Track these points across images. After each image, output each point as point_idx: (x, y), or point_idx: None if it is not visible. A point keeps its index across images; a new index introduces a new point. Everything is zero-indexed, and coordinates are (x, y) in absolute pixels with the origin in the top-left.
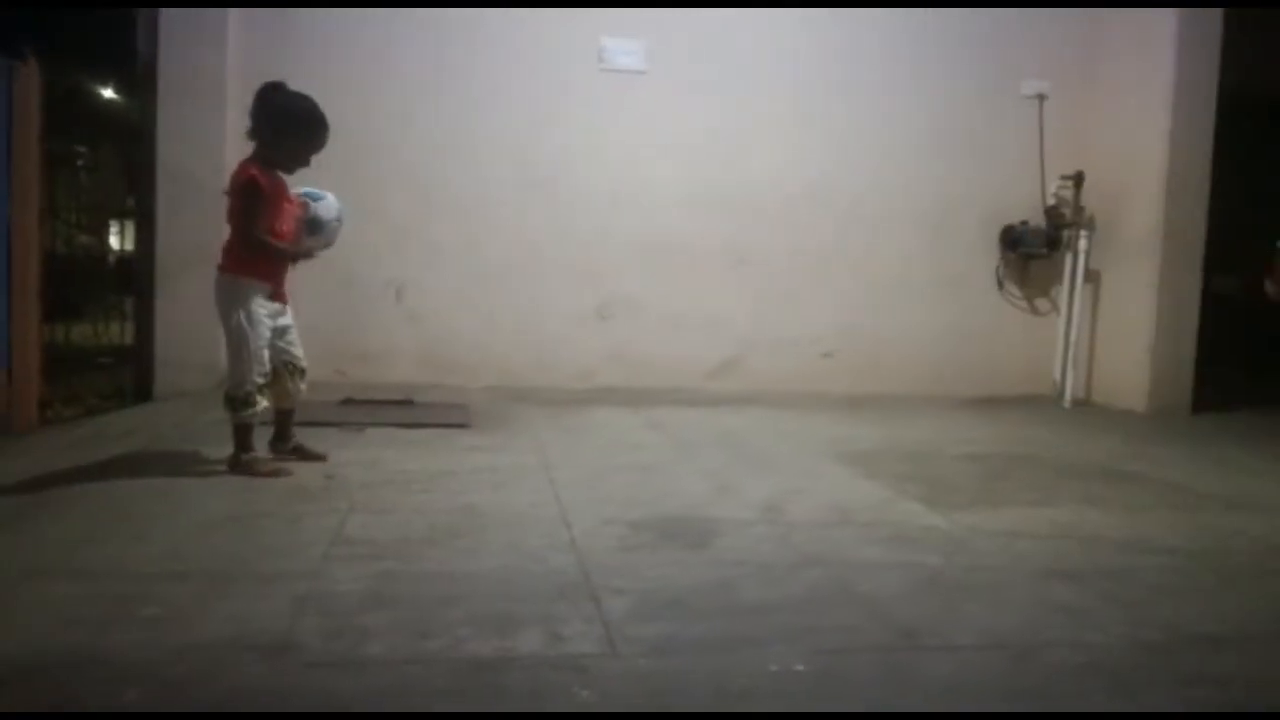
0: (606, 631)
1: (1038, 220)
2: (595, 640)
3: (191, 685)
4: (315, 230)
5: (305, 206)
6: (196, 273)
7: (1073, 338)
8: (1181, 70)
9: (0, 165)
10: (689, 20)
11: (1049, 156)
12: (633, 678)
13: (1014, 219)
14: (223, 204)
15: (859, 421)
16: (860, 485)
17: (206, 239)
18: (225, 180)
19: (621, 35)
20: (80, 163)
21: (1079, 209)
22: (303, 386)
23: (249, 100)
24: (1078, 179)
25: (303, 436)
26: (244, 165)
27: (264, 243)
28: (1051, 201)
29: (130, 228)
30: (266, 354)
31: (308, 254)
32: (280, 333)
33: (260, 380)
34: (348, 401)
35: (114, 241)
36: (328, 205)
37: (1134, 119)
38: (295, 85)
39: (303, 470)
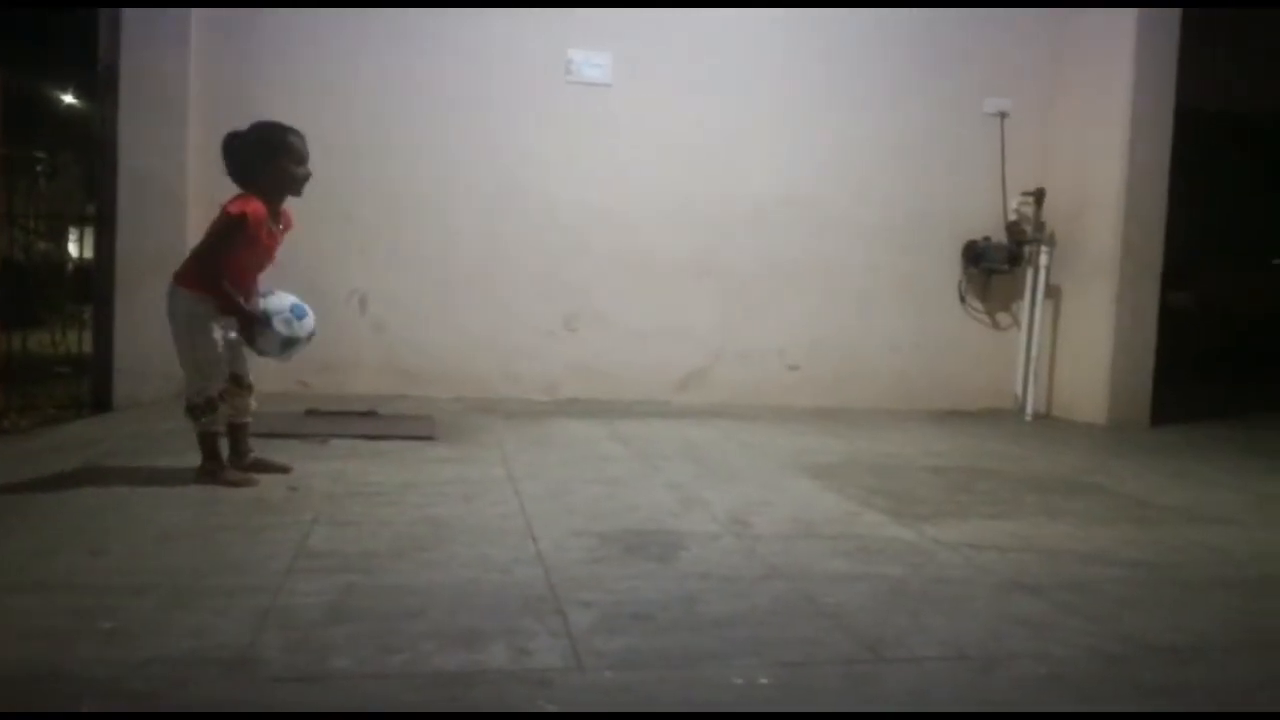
0: (572, 645)
1: (1000, 236)
2: (561, 654)
3: (151, 699)
4: (261, 331)
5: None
6: (157, 280)
7: (1033, 352)
8: (1139, 90)
9: None
10: (657, 34)
11: (1011, 173)
12: (598, 691)
13: (977, 234)
14: (187, 211)
15: (824, 434)
16: (825, 498)
17: (168, 246)
18: (191, 187)
19: (588, 47)
20: (40, 168)
21: (1040, 225)
22: (252, 403)
23: (213, 106)
24: (1038, 196)
25: (265, 449)
26: (243, 199)
27: (218, 282)
28: (1013, 218)
29: (90, 235)
30: (224, 361)
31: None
32: (229, 345)
33: (221, 385)
34: (311, 413)
35: (73, 249)
36: (287, 319)
37: (1093, 138)
38: (260, 90)
39: (266, 482)
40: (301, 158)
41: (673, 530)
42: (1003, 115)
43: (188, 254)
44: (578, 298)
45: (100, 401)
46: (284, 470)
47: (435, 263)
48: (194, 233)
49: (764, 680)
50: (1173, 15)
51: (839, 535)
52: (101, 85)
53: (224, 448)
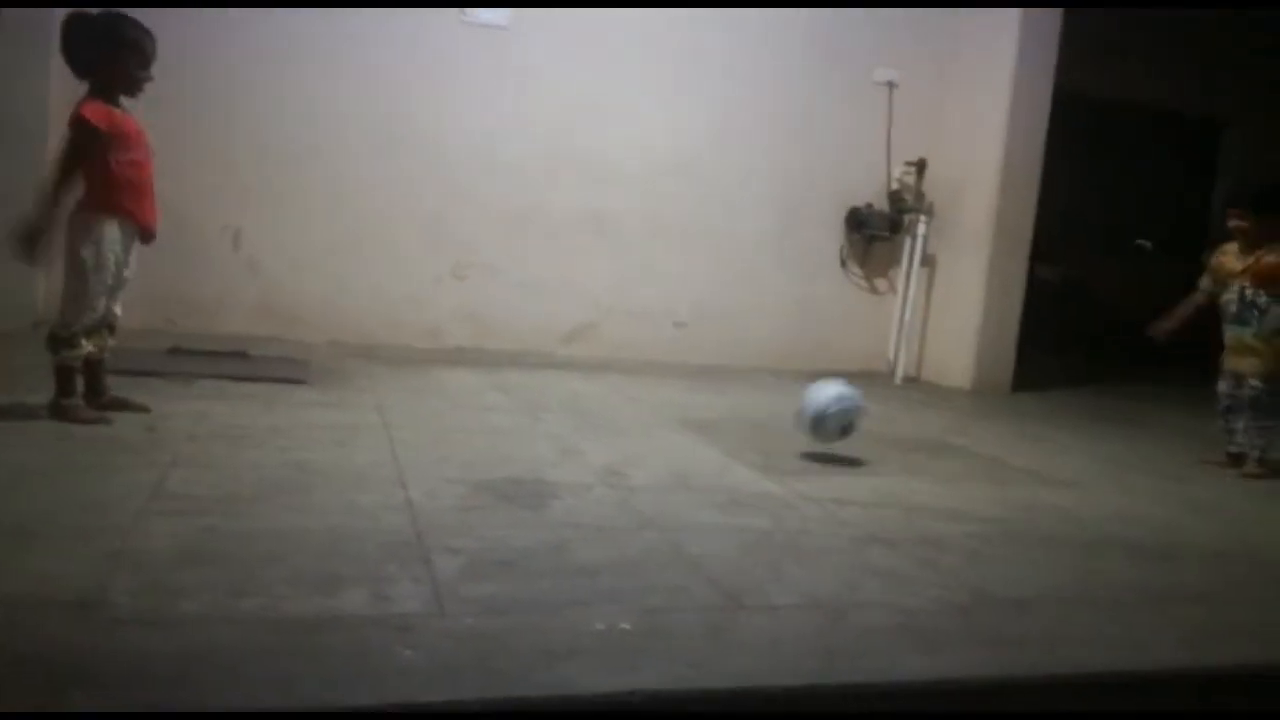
0: (435, 591)
1: (882, 204)
2: (423, 600)
3: None
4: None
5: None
6: (13, 213)
7: (907, 318)
8: (1021, 71)
9: None
10: None
11: (896, 143)
12: (459, 637)
13: (861, 202)
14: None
15: (706, 391)
16: (701, 452)
17: (23, 179)
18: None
19: None
20: None
21: (920, 195)
22: (110, 340)
23: None
24: (920, 166)
25: (124, 386)
26: (78, 104)
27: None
28: (895, 186)
29: None
30: (103, 301)
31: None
32: (114, 287)
33: (89, 324)
34: (176, 351)
35: None
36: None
37: (975, 113)
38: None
39: (123, 421)
40: (147, 60)
41: (548, 480)
42: (891, 85)
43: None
44: (466, 246)
45: None
46: (143, 410)
47: (316, 202)
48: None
49: (625, 626)
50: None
51: (710, 488)
52: None
53: (81, 385)
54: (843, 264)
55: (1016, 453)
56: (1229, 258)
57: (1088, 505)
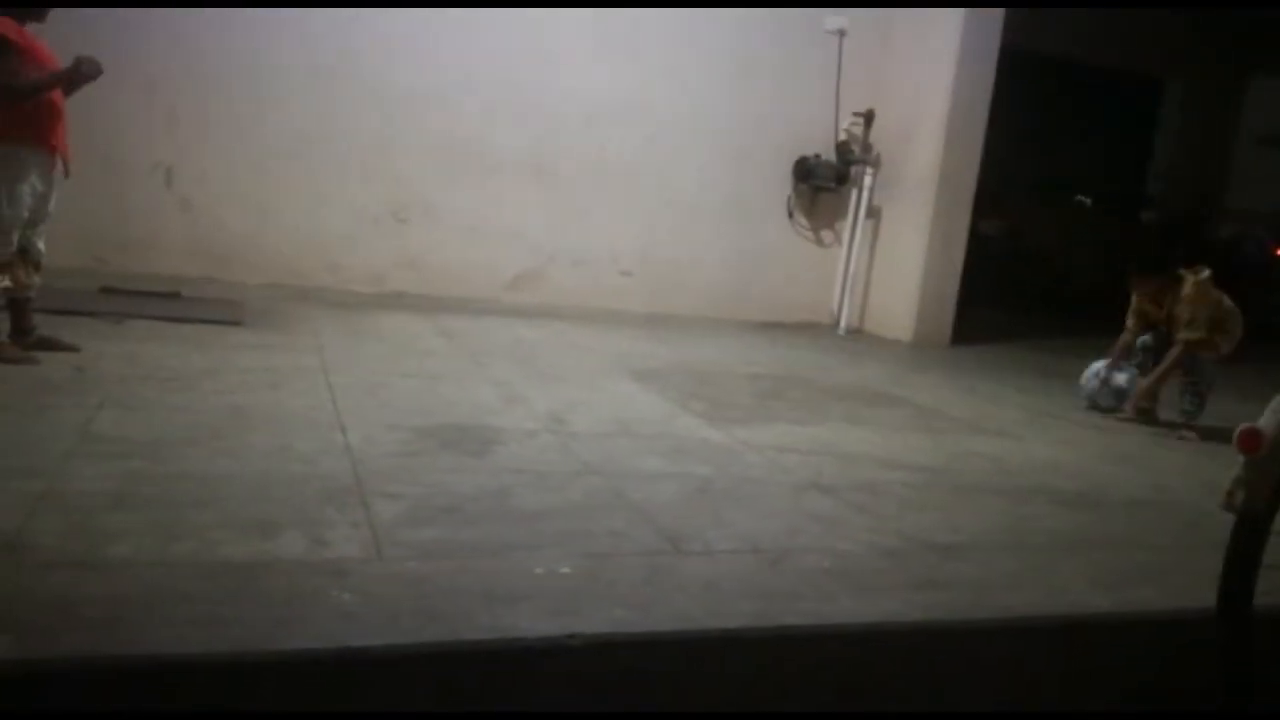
0: (374, 536)
1: (830, 154)
2: (361, 544)
3: None
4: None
5: None
6: None
7: (851, 270)
8: (969, 22)
9: None
10: None
11: (845, 94)
12: (398, 581)
13: (810, 152)
14: None
15: (651, 339)
16: (645, 400)
17: None
18: None
19: None
20: None
21: (868, 146)
22: (37, 279)
23: None
24: (868, 117)
25: (52, 325)
26: None
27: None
28: (843, 137)
29: None
30: (17, 235)
31: (84, 78)
32: (33, 220)
33: (6, 257)
34: (107, 290)
35: None
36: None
37: (924, 67)
38: None
39: (50, 361)
40: None
41: (491, 426)
42: (841, 33)
43: None
44: (407, 188)
45: None
46: (72, 349)
47: (251, 139)
48: None
49: (566, 570)
50: None
51: (654, 435)
52: None
53: (4, 324)
54: (790, 215)
55: (952, 403)
56: (1150, 307)
57: (1018, 455)
